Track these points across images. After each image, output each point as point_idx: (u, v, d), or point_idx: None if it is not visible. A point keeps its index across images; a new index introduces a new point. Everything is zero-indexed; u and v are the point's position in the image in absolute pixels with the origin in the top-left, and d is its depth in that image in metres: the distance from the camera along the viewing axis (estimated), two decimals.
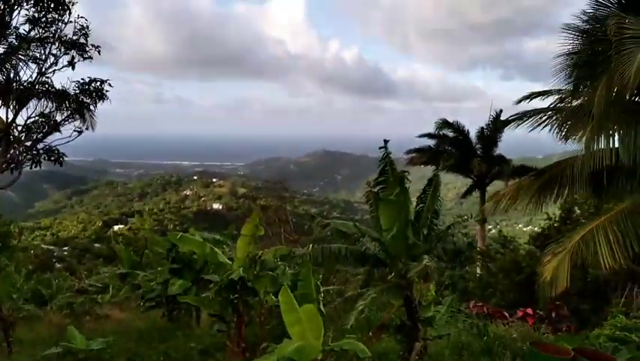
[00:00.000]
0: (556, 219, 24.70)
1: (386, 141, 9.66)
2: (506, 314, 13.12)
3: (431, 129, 32.28)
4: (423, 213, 9.87)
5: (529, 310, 13.60)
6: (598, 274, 21.46)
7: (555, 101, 10.59)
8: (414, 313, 9.83)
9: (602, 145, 8.61)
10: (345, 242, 10.23)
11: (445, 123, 32.08)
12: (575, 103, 9.65)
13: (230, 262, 10.09)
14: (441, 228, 10.40)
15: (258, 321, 9.73)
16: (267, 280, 9.71)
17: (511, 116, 10.76)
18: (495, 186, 31.24)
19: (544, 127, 10.03)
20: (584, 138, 8.68)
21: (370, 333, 10.06)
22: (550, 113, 9.89)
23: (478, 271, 25.67)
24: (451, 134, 32.65)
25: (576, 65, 9.11)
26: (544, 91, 10.95)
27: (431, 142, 32.92)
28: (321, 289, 9.69)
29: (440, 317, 10.16)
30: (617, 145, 8.68)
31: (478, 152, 32.15)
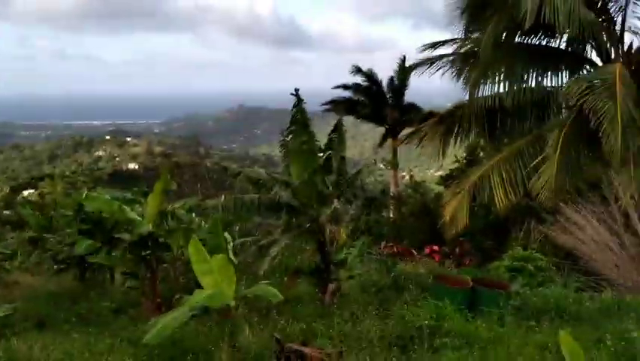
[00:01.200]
0: (463, 161, 26.06)
1: (297, 90, 9.75)
2: (414, 252, 13.94)
3: (348, 81, 32.76)
4: (331, 160, 10.15)
5: (435, 247, 14.52)
6: (499, 211, 23.09)
7: (456, 48, 11.01)
8: (327, 257, 10.24)
9: (487, 89, 9.18)
10: (260, 192, 10.36)
11: (357, 70, 32.50)
12: (466, 48, 10.10)
13: (140, 219, 9.94)
14: (350, 173, 10.78)
15: (173, 276, 9.76)
16: (180, 234, 9.69)
17: (412, 65, 11.10)
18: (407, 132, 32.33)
19: (443, 74, 10.45)
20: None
21: (285, 278, 10.39)
22: (445, 59, 10.31)
23: (392, 215, 26.81)
24: (364, 84, 33.21)
25: (467, 9, 9.47)
26: (444, 40, 11.32)
27: (347, 93, 33.44)
28: (235, 240, 9.84)
29: (352, 258, 10.63)
30: (499, 89, 9.28)
31: (390, 101, 33.03)
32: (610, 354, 6.18)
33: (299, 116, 9.95)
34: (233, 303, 6.90)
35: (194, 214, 11.30)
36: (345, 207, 9.59)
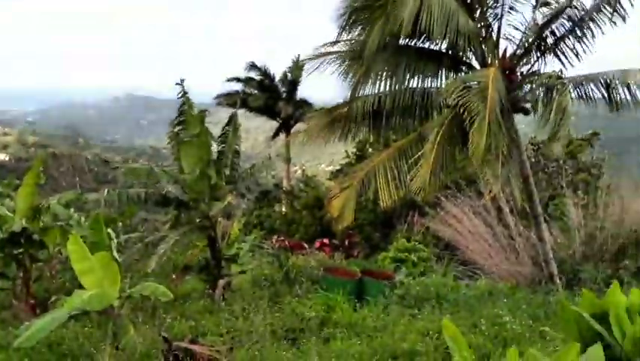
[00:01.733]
0: (353, 156, 26.93)
1: (182, 80, 9.47)
2: (305, 246, 14.16)
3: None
4: (225, 154, 10.01)
5: (325, 241, 14.85)
6: (384, 206, 24.15)
7: (345, 47, 11.25)
8: (217, 252, 10.08)
9: (372, 89, 9.54)
10: (146, 186, 9.94)
11: (253, 66, 32.38)
12: (352, 47, 10.37)
13: (11, 215, 9.11)
14: (244, 168, 10.68)
15: (49, 275, 9.06)
16: (57, 231, 9.02)
17: (302, 61, 11.18)
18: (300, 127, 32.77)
19: (333, 72, 10.63)
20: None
21: (174, 275, 10.08)
22: (334, 56, 10.53)
23: (284, 209, 27.03)
24: (258, 78, 33.13)
25: (354, 10, 9.75)
26: (336, 41, 11.49)
27: (240, 87, 33.16)
28: (120, 237, 9.35)
29: (244, 253, 10.57)
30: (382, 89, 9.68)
31: (284, 95, 33.25)
32: (485, 338, 6.69)
33: (188, 108, 9.71)
34: (117, 303, 6.55)
35: (72, 209, 10.57)
36: (238, 201, 9.49)
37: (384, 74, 9.77)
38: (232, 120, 10.17)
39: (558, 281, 12.30)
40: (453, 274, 15.24)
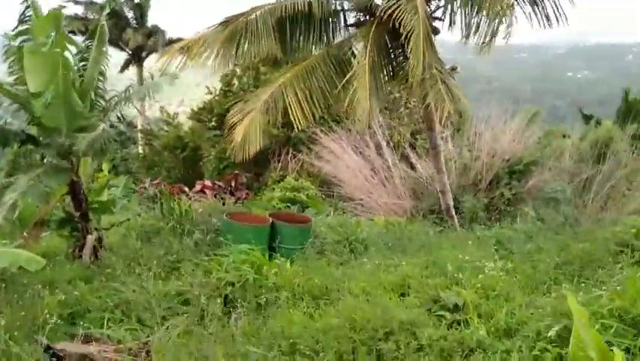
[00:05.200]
0: (217, 92, 24.64)
1: None
2: (186, 190, 12.17)
3: None
4: (87, 73, 7.54)
5: (208, 183, 13.00)
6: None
7: None
8: (82, 201, 7.80)
9: None
10: None
11: None
12: None
13: None
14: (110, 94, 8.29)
15: None
16: None
17: None
18: (153, 59, 29.20)
19: None
20: None
21: (25, 234, 7.64)
22: None
23: (141, 150, 24.12)
24: (99, 1, 28.58)
25: None
26: None
27: (79, 10, 28.32)
28: None
29: (115, 200, 8.40)
30: None
31: (132, 22, 29.21)
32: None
33: (31, 12, 7.10)
34: None
35: None
36: (107, 135, 7.24)
37: None
38: (98, 30, 7.65)
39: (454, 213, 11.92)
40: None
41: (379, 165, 15.96)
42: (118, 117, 8.25)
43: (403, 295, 5.38)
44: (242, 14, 8.72)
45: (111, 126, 8.25)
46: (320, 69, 8.68)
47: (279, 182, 18.18)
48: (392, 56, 8.99)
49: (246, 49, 8.61)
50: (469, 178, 14.24)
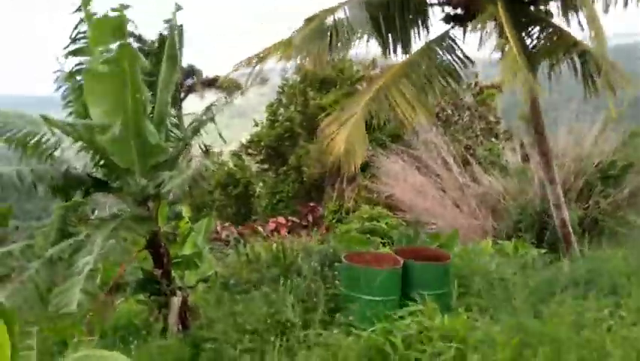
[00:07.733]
0: (263, 123, 23.50)
1: None
2: (260, 229, 10.65)
3: None
4: (159, 96, 6.10)
5: (281, 220, 11.48)
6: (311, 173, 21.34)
7: None
8: (164, 256, 6.29)
9: None
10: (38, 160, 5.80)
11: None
12: None
13: None
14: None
15: None
16: None
17: None
18: (191, 100, 28.25)
19: None
20: None
21: (102, 299, 6.14)
22: None
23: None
24: (134, 45, 27.97)
25: None
26: None
27: None
28: None
29: (203, 250, 6.87)
30: None
31: None
32: None
33: (86, 22, 5.67)
34: None
35: None
36: (197, 172, 5.77)
37: None
38: (167, 50, 6.23)
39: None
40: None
41: (450, 184, 14.34)
42: (202, 148, 6.77)
43: None
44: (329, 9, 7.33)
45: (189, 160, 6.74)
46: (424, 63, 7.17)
47: (335, 212, 16.88)
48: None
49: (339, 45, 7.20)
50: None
